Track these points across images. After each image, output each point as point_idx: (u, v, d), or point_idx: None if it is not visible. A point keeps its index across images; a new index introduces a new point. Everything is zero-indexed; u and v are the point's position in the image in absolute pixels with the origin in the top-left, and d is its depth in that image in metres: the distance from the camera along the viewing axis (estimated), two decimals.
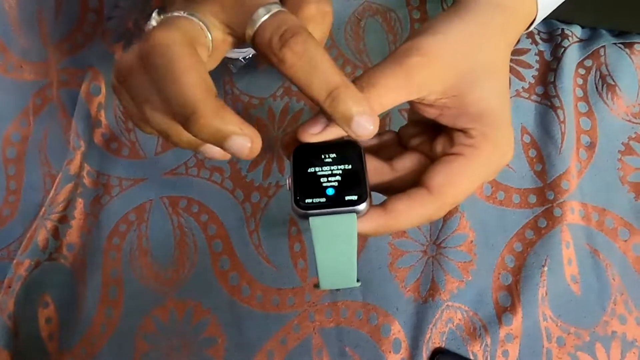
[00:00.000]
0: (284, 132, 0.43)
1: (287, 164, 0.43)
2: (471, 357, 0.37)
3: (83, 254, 0.41)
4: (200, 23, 0.25)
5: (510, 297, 0.38)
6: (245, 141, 0.23)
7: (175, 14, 0.25)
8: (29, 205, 0.45)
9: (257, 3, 0.24)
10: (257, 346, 0.38)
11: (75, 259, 0.41)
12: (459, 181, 0.26)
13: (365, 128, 0.24)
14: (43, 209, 0.42)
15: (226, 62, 0.43)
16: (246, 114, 0.44)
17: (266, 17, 0.23)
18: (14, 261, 0.40)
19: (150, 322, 0.39)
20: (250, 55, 0.41)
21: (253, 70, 0.45)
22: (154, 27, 0.25)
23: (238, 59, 0.41)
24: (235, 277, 0.40)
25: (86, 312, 0.40)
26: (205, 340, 0.38)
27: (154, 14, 0.26)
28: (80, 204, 0.42)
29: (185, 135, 0.25)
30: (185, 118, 0.22)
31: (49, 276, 0.40)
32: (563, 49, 0.43)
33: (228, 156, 0.27)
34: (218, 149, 0.25)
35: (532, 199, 0.41)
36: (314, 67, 0.23)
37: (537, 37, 0.45)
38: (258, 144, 0.24)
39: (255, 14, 0.24)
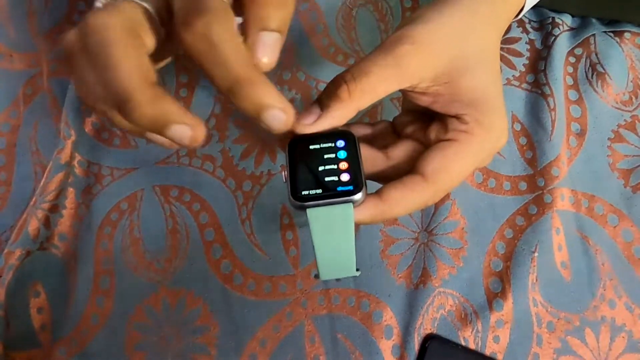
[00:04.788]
0: None
1: (280, 154, 0.43)
2: (462, 343, 0.37)
3: (74, 244, 0.41)
4: (147, 6, 0.24)
5: (501, 283, 0.38)
6: (185, 129, 0.23)
7: None
8: (19, 196, 0.45)
9: None
10: (249, 334, 0.38)
11: (67, 249, 0.41)
12: (453, 166, 0.27)
13: (276, 121, 0.23)
14: (34, 198, 0.42)
15: None
16: None
17: None
18: (5, 251, 0.40)
19: (142, 311, 0.39)
20: None
21: None
22: (96, 9, 0.23)
23: None
24: (228, 265, 0.40)
25: (78, 302, 0.39)
26: (197, 329, 0.38)
27: None
28: (71, 193, 0.42)
29: (127, 121, 0.24)
30: (121, 106, 0.22)
31: (41, 266, 0.40)
32: (554, 38, 0.44)
33: (175, 145, 0.26)
34: (161, 137, 0.24)
35: (523, 185, 0.41)
36: (216, 54, 0.21)
37: (527, 26, 0.45)
38: (200, 131, 0.23)
39: None
